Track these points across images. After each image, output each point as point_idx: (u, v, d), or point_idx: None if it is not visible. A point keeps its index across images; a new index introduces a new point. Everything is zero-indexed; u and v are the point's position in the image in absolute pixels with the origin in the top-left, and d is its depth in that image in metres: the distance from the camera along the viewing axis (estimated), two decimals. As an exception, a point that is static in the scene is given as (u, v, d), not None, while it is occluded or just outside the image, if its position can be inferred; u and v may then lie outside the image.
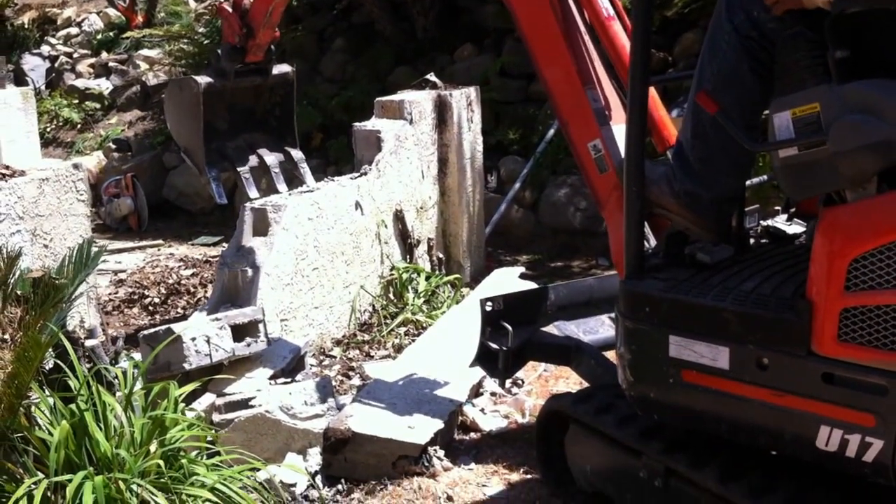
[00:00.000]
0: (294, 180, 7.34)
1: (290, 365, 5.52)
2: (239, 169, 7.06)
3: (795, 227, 3.97)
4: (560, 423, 4.43)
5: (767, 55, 3.47)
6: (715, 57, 3.59)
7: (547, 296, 5.22)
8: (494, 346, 4.86)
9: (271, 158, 7.14)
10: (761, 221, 4.06)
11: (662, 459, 3.79)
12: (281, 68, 7.22)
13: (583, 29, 4.45)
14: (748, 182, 4.01)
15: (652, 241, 4.17)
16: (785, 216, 4.05)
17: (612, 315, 4.68)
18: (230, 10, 6.78)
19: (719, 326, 3.35)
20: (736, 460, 3.59)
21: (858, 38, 3.13)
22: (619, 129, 4.07)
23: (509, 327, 4.83)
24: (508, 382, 5.62)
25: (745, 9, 3.48)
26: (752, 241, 3.98)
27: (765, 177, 4.18)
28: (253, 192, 6.96)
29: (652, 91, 4.42)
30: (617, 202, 3.89)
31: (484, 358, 4.95)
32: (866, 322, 3.00)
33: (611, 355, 4.31)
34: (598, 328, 5.22)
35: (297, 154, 7.29)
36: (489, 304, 4.93)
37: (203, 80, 6.81)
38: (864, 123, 2.98)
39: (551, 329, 5.14)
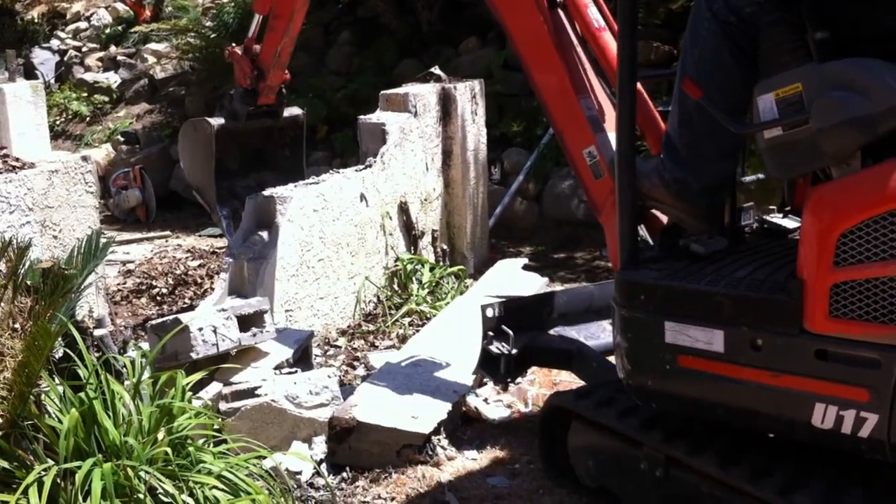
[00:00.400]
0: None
1: (295, 355, 5.56)
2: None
3: (790, 223, 4.02)
4: (562, 420, 4.48)
5: (746, 40, 3.53)
6: (696, 44, 3.65)
7: (548, 302, 5.30)
8: (496, 350, 4.94)
9: None
10: (756, 217, 4.11)
11: (662, 448, 3.83)
12: (291, 111, 7.35)
13: (574, 40, 4.53)
14: (747, 178, 4.07)
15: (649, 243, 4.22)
16: (780, 214, 4.10)
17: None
18: (241, 53, 6.90)
19: (713, 310, 3.40)
20: (735, 445, 3.63)
21: (836, 19, 3.19)
22: (613, 136, 4.13)
23: (510, 332, 4.90)
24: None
25: None
26: (747, 236, 4.02)
27: (762, 175, 4.21)
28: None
29: (644, 95, 4.50)
30: (613, 206, 3.93)
31: (486, 363, 5.05)
32: (856, 296, 3.05)
33: (613, 360, 4.36)
34: (600, 333, 5.25)
35: None
36: (490, 310, 5.00)
37: (216, 122, 6.93)
38: (844, 100, 3.04)
39: (551, 334, 5.19)
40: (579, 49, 4.52)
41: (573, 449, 4.42)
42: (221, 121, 7.02)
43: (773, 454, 3.56)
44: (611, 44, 4.49)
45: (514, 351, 4.93)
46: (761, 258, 3.65)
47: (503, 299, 5.25)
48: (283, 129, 7.40)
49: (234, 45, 7.07)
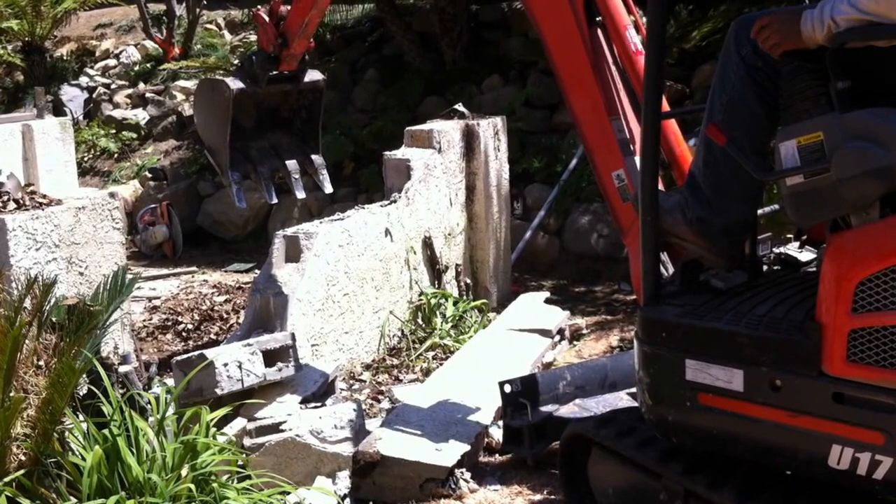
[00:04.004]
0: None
1: (320, 389, 5.58)
2: (259, 170, 7.04)
3: (807, 255, 4.03)
4: (583, 447, 4.49)
5: (773, 85, 3.56)
6: (724, 88, 3.69)
7: (563, 376, 5.49)
8: (517, 424, 5.12)
9: (292, 164, 7.12)
10: (774, 249, 4.12)
11: (681, 481, 3.83)
12: (312, 75, 7.07)
13: (611, 61, 4.55)
14: (761, 211, 4.09)
15: (670, 270, 4.24)
16: (797, 244, 4.12)
17: (630, 391, 5.01)
18: (266, 18, 6.67)
19: (733, 350, 3.41)
20: (753, 481, 3.63)
21: (858, 69, 3.22)
22: None
23: (527, 403, 5.09)
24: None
25: (752, 40, 3.57)
26: (764, 267, 4.04)
27: (776, 206, 4.24)
28: (272, 198, 7.01)
29: (674, 127, 4.52)
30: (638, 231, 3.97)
31: (510, 439, 5.22)
32: (874, 343, 3.07)
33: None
34: (616, 403, 5.29)
35: (317, 159, 7.22)
36: (507, 385, 5.17)
37: (235, 84, 6.71)
38: (865, 150, 3.06)
39: (571, 406, 5.29)
40: (614, 71, 4.54)
41: (593, 477, 4.43)
42: (240, 84, 6.80)
43: (790, 491, 3.56)
44: None
45: (533, 422, 5.09)
46: (779, 293, 3.66)
47: (520, 376, 5.44)
48: (303, 92, 7.24)
49: (259, 7, 6.87)
